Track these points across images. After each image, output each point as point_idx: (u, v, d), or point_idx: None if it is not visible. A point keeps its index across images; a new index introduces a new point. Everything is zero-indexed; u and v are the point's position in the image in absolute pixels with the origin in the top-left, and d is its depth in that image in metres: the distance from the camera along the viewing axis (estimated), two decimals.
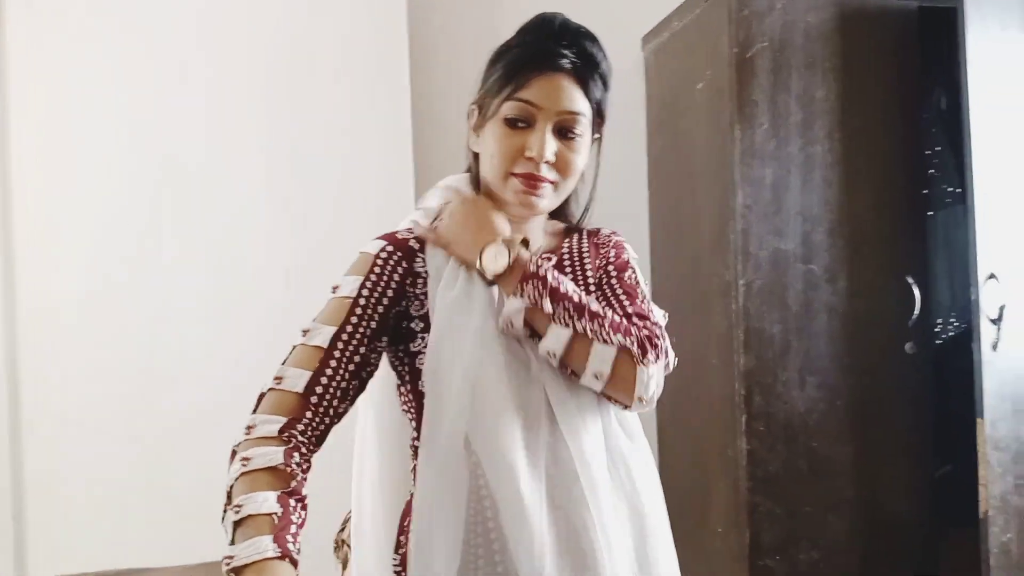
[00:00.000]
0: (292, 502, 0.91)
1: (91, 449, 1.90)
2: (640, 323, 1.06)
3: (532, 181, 1.05)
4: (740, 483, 1.95)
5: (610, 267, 1.15)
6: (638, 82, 2.48)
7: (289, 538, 0.87)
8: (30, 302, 1.90)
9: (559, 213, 1.19)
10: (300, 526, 0.91)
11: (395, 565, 1.07)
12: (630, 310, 1.08)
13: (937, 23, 2.08)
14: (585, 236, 1.18)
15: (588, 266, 1.14)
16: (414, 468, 1.07)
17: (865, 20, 2.03)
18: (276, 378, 0.99)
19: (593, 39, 1.09)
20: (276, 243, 2.12)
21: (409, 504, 1.07)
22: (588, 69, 1.06)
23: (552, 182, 1.07)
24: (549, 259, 1.12)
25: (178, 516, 1.91)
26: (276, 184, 2.13)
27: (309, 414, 0.97)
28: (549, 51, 1.05)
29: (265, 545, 0.85)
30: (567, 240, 1.17)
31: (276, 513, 0.88)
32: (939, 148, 2.20)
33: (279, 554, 0.85)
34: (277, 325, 2.03)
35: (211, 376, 2.00)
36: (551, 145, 1.04)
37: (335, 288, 1.05)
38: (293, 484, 0.92)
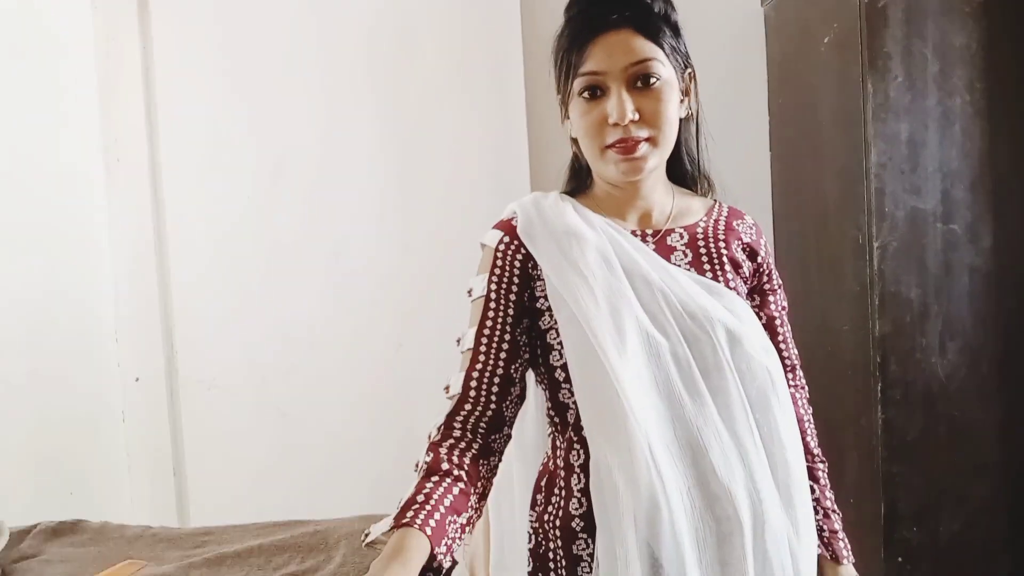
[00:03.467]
0: (429, 484, 0.96)
1: (240, 411, 2.05)
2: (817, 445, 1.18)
3: (626, 145, 1.04)
4: (875, 453, 1.88)
5: (768, 284, 1.18)
6: (758, 39, 2.40)
7: (410, 513, 0.92)
8: (183, 284, 2.06)
9: (682, 174, 1.18)
10: (440, 495, 0.94)
11: (532, 521, 1.13)
12: (802, 403, 1.18)
13: None
14: (725, 216, 1.16)
15: (724, 248, 1.12)
16: (550, 434, 1.13)
17: None
18: (445, 388, 1.07)
19: None
20: (392, 210, 2.19)
21: (545, 467, 1.13)
22: (641, 14, 1.03)
23: (648, 139, 1.05)
24: (682, 236, 1.12)
25: (319, 472, 2.05)
26: (388, 150, 2.20)
27: (468, 406, 1.04)
28: (593, 15, 1.03)
29: (386, 523, 0.92)
30: (704, 217, 1.15)
31: (405, 498, 0.94)
32: None
33: (390, 527, 0.91)
34: (396, 289, 2.14)
35: (337, 340, 2.12)
36: (628, 104, 1.02)
37: (469, 291, 1.11)
38: (441, 467, 0.98)
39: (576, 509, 1.06)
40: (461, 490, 0.97)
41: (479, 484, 1.01)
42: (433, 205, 2.21)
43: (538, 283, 1.08)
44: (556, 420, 1.11)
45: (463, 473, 0.98)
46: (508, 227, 1.11)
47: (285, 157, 2.13)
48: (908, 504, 1.87)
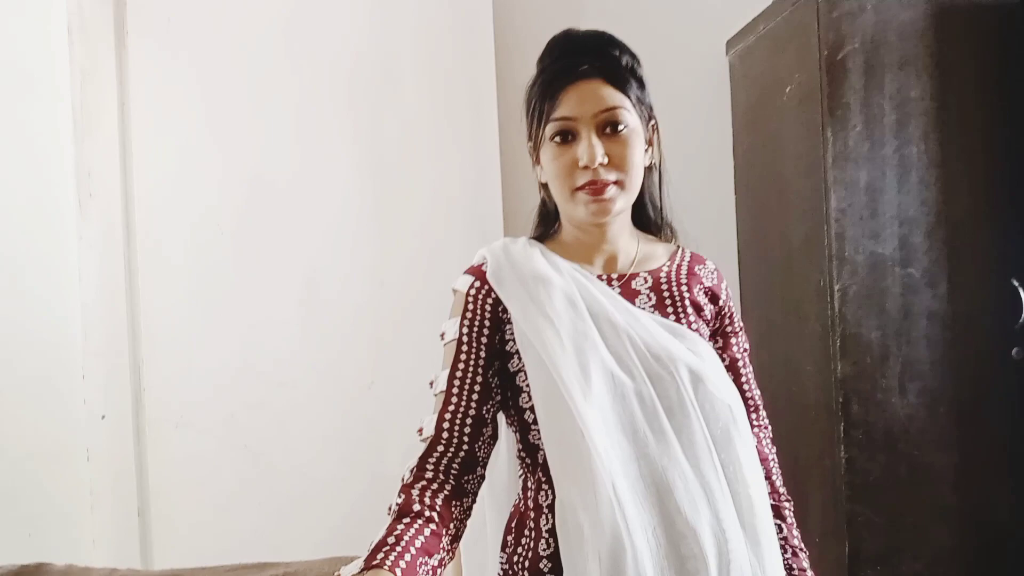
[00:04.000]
0: (400, 525, 0.97)
1: (207, 448, 2.03)
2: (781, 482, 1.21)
3: (595, 187, 1.08)
4: (839, 492, 1.91)
5: (729, 326, 1.21)
6: (723, 86, 2.47)
7: (380, 555, 0.93)
8: (153, 320, 2.04)
9: (646, 221, 1.22)
10: (411, 537, 0.96)
11: (502, 563, 1.14)
12: (766, 443, 1.21)
13: None
14: (687, 261, 1.20)
15: (686, 292, 1.16)
16: (521, 475, 1.15)
17: (961, 16, 1.97)
18: (418, 431, 1.09)
19: (606, 38, 1.12)
20: (366, 246, 2.20)
21: (516, 508, 1.15)
22: (610, 66, 1.09)
23: (616, 182, 1.09)
24: (646, 280, 1.15)
25: (288, 511, 2.03)
26: (363, 185, 2.21)
27: (441, 447, 1.06)
28: (568, 64, 1.09)
29: (356, 564, 0.93)
30: (668, 262, 1.19)
31: (376, 540, 0.96)
32: None
33: (361, 568, 0.92)
34: (368, 326, 2.14)
35: (308, 377, 2.11)
36: (599, 148, 1.07)
37: (442, 335, 1.13)
38: (413, 508, 0.99)
39: (544, 550, 1.07)
40: (433, 531, 0.98)
41: (451, 525, 1.02)
42: (408, 242, 2.22)
43: (508, 327, 1.11)
44: (527, 461, 1.13)
45: (435, 514, 1.00)
46: (479, 272, 1.14)
47: (259, 191, 2.14)
48: (872, 545, 1.90)
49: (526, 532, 1.10)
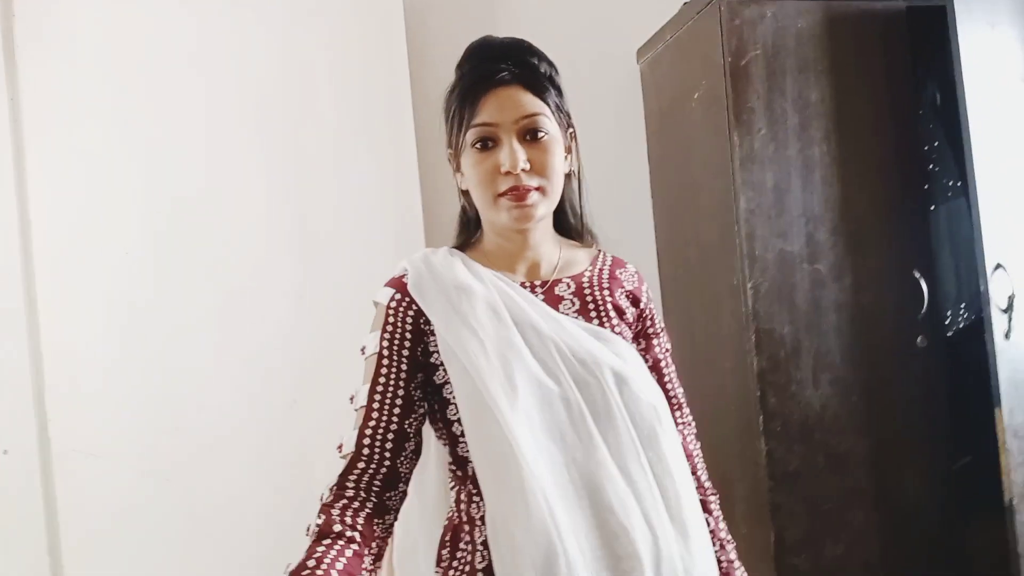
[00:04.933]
0: (320, 547, 0.95)
1: (122, 478, 1.94)
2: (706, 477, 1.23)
3: (518, 193, 1.09)
4: (761, 483, 1.97)
5: (651, 328, 1.22)
6: (636, 94, 2.53)
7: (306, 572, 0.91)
8: (53, 340, 1.95)
9: (567, 228, 1.23)
10: (332, 559, 0.94)
11: None
12: (690, 439, 1.22)
13: (926, 21, 2.12)
14: (608, 266, 1.22)
15: (608, 296, 1.17)
16: (453, 487, 1.13)
17: (854, 22, 2.07)
18: (338, 448, 1.06)
19: (524, 45, 1.13)
20: (284, 262, 2.16)
21: (450, 521, 1.13)
22: (529, 73, 1.10)
23: (537, 188, 1.10)
24: (569, 285, 1.16)
25: (212, 541, 1.95)
26: (280, 201, 2.17)
27: (362, 464, 1.04)
28: (487, 70, 1.09)
29: None
30: (590, 267, 1.20)
31: (295, 564, 0.93)
32: (937, 143, 2.23)
33: None
34: (289, 343, 2.09)
35: (227, 399, 2.05)
36: (520, 153, 1.08)
37: (363, 349, 1.11)
38: (333, 529, 0.97)
39: (480, 563, 1.05)
40: (355, 552, 0.96)
41: (373, 544, 1.00)
42: (328, 256, 2.18)
43: (431, 338, 1.10)
44: (458, 474, 1.12)
45: (356, 534, 0.98)
46: (399, 284, 1.13)
47: (169, 209, 2.08)
48: (795, 532, 1.96)
49: (461, 546, 1.09)
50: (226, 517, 2.02)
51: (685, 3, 2.21)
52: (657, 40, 2.37)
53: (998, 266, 1.91)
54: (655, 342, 1.23)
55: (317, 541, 0.96)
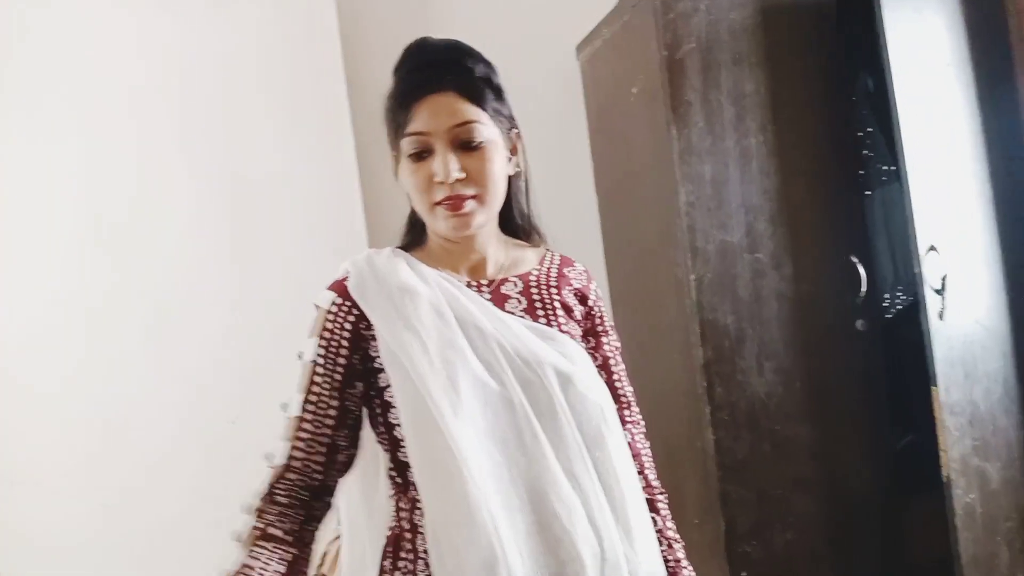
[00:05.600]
0: (250, 557, 0.97)
1: (57, 507, 1.89)
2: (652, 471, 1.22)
3: (453, 203, 1.07)
4: (710, 473, 1.99)
5: (600, 326, 1.21)
6: (577, 90, 2.53)
7: None
8: None
9: (514, 228, 1.22)
10: (261, 568, 0.96)
11: None
12: (639, 438, 1.21)
13: (855, 10, 2.15)
14: (556, 264, 1.21)
15: (556, 294, 1.16)
16: (394, 495, 1.11)
17: (786, 13, 2.09)
18: (267, 456, 1.05)
19: (461, 48, 1.11)
20: (219, 273, 2.11)
21: (392, 531, 1.11)
22: (465, 79, 1.08)
23: (473, 196, 1.08)
24: (516, 284, 1.15)
25: (155, 566, 1.91)
26: (211, 211, 2.13)
27: (292, 475, 1.03)
28: (420, 78, 1.07)
29: None
30: (537, 266, 1.19)
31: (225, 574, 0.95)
32: (870, 129, 2.27)
33: None
34: (228, 357, 2.05)
35: (165, 417, 2.00)
36: (453, 163, 1.06)
37: (300, 355, 1.09)
38: (265, 536, 0.98)
39: (422, 571, 1.05)
40: (292, 557, 0.97)
41: (303, 552, 1.01)
42: (266, 265, 2.14)
43: (372, 343, 1.08)
44: (398, 481, 1.10)
45: (292, 538, 0.99)
46: (340, 288, 1.10)
47: (97, 221, 2.02)
48: (745, 520, 1.98)
49: (403, 555, 1.07)
50: (169, 541, 1.97)
51: None
52: (595, 35, 2.37)
53: (931, 248, 1.96)
54: (604, 340, 1.22)
55: (253, 545, 0.97)
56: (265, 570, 0.94)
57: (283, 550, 0.97)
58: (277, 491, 1.02)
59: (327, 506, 1.07)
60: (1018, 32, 2.06)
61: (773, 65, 2.08)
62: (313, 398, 1.05)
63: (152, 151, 2.08)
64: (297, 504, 1.02)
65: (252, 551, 0.96)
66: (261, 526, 0.99)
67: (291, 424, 1.06)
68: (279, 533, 0.98)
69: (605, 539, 1.04)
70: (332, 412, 1.05)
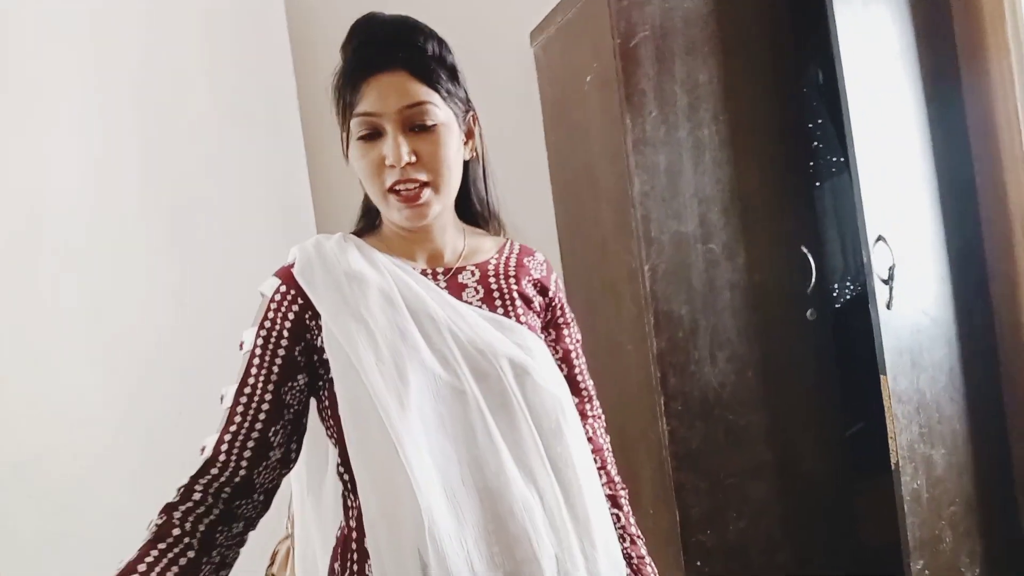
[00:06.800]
0: (153, 553, 0.92)
1: (2, 500, 1.81)
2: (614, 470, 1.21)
3: (408, 193, 1.03)
4: (664, 463, 1.99)
5: (561, 318, 1.19)
6: (531, 77, 2.51)
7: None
8: None
9: (473, 215, 1.18)
10: (163, 567, 0.92)
11: None
12: (600, 432, 1.20)
13: (806, 2, 2.16)
14: (516, 254, 1.17)
15: (514, 284, 1.13)
16: (343, 494, 1.07)
17: (738, 3, 2.09)
18: (201, 449, 1.00)
19: (411, 24, 1.05)
20: (162, 265, 2.04)
21: (342, 531, 1.07)
22: (416, 57, 1.03)
23: (426, 183, 1.03)
24: (473, 273, 1.11)
25: (101, 562, 1.84)
26: (153, 199, 2.05)
27: (215, 470, 0.98)
28: (368, 55, 1.02)
29: None
30: (496, 255, 1.15)
31: (124, 562, 0.92)
32: (821, 121, 2.30)
33: None
34: (172, 350, 1.98)
35: (109, 412, 1.93)
36: (404, 146, 1.01)
37: (241, 344, 1.04)
38: (172, 533, 0.93)
39: (370, 571, 1.00)
40: (190, 559, 0.92)
41: (214, 553, 0.95)
42: (211, 256, 2.08)
43: (316, 334, 1.03)
44: (346, 478, 1.05)
45: (195, 541, 0.93)
46: (286, 274, 1.05)
47: (39, 216, 1.93)
48: (699, 509, 1.99)
49: (351, 556, 1.03)
50: (117, 538, 1.90)
51: None
52: (549, 23, 2.35)
53: (879, 238, 1.98)
54: (565, 332, 1.20)
55: (152, 544, 0.92)
56: (160, 573, 0.89)
57: (183, 551, 0.92)
58: (195, 487, 0.97)
59: (257, 506, 1.01)
60: (963, 25, 2.09)
61: (726, 55, 2.08)
62: (248, 390, 1.00)
63: (92, 139, 2.00)
64: (212, 503, 0.97)
65: (151, 548, 0.91)
66: (166, 522, 0.94)
67: (222, 416, 1.01)
68: (182, 533, 0.93)
69: (563, 538, 1.01)
70: (265, 406, 1.00)
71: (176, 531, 0.92)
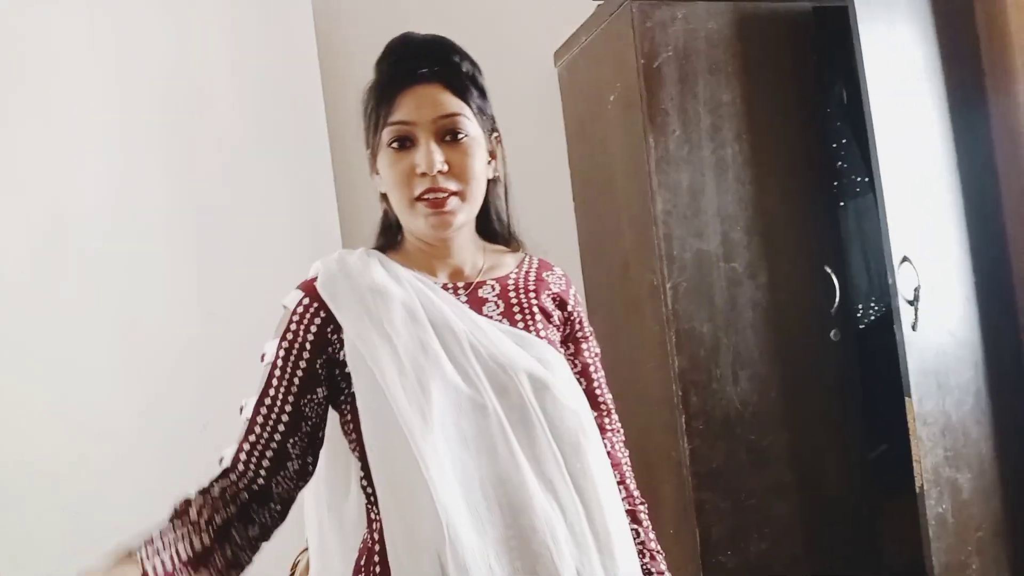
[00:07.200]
0: (169, 534, 0.95)
1: (22, 518, 1.84)
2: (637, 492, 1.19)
3: (436, 199, 1.04)
4: (685, 482, 1.98)
5: (579, 331, 1.19)
6: (555, 97, 2.53)
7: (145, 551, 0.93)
8: None
9: (492, 234, 1.19)
10: (172, 540, 0.95)
11: None
12: (619, 447, 1.19)
13: (831, 21, 2.17)
14: (535, 268, 1.18)
15: (534, 299, 1.14)
16: (366, 506, 1.08)
17: (762, 23, 2.10)
18: (219, 460, 1.02)
19: (446, 43, 1.08)
20: (189, 276, 2.07)
21: (364, 544, 1.07)
22: (449, 71, 1.06)
23: (455, 192, 1.05)
24: (493, 287, 1.12)
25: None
26: (181, 210, 2.08)
27: (233, 476, 1.00)
28: (405, 68, 1.05)
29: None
30: (516, 269, 1.16)
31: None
32: (845, 140, 2.29)
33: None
34: (197, 361, 2.00)
35: (131, 424, 1.96)
36: (437, 154, 1.03)
37: (263, 356, 1.06)
38: (187, 517, 0.96)
39: None
40: (204, 546, 0.95)
41: (228, 548, 0.97)
42: (237, 267, 2.10)
43: (338, 348, 1.04)
44: (369, 491, 1.06)
45: (211, 529, 0.96)
46: (309, 287, 1.07)
47: (65, 224, 1.96)
48: (720, 529, 1.98)
49: (373, 569, 1.04)
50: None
51: (599, 5, 2.22)
52: (572, 43, 2.37)
53: (904, 259, 1.96)
54: (584, 346, 1.20)
55: (168, 525, 0.95)
56: (161, 543, 0.92)
57: (195, 535, 0.94)
58: (212, 487, 0.99)
59: (274, 515, 1.02)
60: (988, 44, 2.08)
61: (749, 75, 2.08)
62: (268, 401, 1.02)
63: (119, 150, 2.04)
64: (231, 501, 0.98)
65: (162, 526, 0.95)
66: (181, 505, 0.96)
67: (241, 428, 1.03)
68: (195, 517, 0.95)
69: (584, 553, 1.01)
70: (285, 418, 1.01)
71: (192, 518, 0.95)
